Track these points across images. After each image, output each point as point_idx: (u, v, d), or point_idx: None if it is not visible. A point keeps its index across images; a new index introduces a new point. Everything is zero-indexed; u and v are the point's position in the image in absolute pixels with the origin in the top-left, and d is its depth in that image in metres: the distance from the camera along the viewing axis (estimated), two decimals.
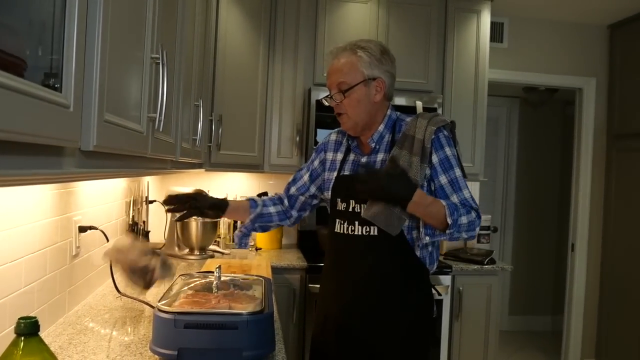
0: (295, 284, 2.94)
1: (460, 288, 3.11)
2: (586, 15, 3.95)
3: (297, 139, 3.26)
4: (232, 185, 3.56)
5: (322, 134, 3.22)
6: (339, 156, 1.88)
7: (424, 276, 1.79)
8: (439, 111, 3.29)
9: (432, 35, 3.38)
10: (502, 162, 5.37)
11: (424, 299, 1.79)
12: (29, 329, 0.89)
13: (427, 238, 1.68)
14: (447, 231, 1.61)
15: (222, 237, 3.35)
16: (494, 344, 3.19)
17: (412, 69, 3.34)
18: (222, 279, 1.62)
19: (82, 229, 1.86)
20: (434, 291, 2.04)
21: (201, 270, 2.25)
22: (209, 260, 2.83)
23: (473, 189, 3.87)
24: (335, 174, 1.85)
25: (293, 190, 2.01)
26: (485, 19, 3.45)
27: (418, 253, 1.73)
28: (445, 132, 1.73)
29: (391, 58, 1.77)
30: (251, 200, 1.96)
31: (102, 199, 2.15)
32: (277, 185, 3.63)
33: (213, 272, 1.61)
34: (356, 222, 1.73)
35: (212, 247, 3.08)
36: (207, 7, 2.56)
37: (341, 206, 1.79)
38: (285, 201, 2.02)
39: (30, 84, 0.66)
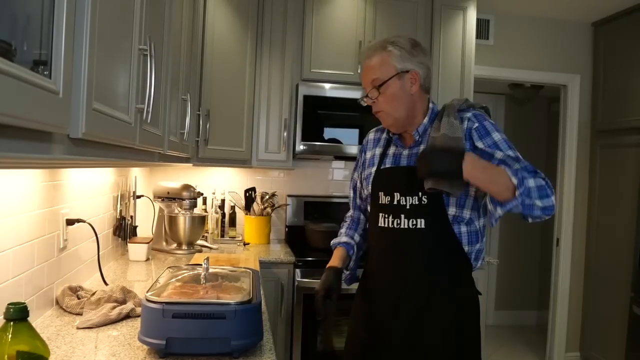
0: (283, 278, 2.96)
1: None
2: (570, 12, 4.00)
3: (285, 134, 3.27)
4: (220, 180, 3.57)
5: (309, 130, 3.24)
6: (378, 151, 1.85)
7: (469, 272, 1.73)
8: None
9: (419, 31, 3.41)
10: None
11: (472, 293, 1.74)
12: (18, 314, 0.90)
13: (499, 210, 1.55)
14: (517, 193, 1.48)
15: (209, 232, 3.36)
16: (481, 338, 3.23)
17: None
18: (210, 271, 1.63)
19: (70, 222, 1.86)
20: None
21: (189, 264, 2.25)
22: (196, 255, 2.83)
23: None
24: (375, 168, 1.82)
25: (359, 201, 1.99)
26: (471, 16, 3.49)
27: (467, 249, 1.69)
28: (490, 120, 1.70)
29: (424, 50, 1.73)
30: (345, 244, 1.91)
31: (89, 192, 2.15)
32: (265, 181, 3.64)
33: (201, 265, 1.62)
34: (402, 216, 1.69)
35: (199, 241, 3.08)
36: (194, 1, 2.57)
37: (384, 199, 1.74)
38: (361, 216, 2.00)
39: (20, 67, 0.67)
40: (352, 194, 2.01)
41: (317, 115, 3.27)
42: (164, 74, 1.76)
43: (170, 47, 1.84)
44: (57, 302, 1.77)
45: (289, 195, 3.60)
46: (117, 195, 2.58)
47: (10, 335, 0.89)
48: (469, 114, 1.70)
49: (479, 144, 1.64)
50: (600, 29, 4.09)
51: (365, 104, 1.76)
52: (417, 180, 1.59)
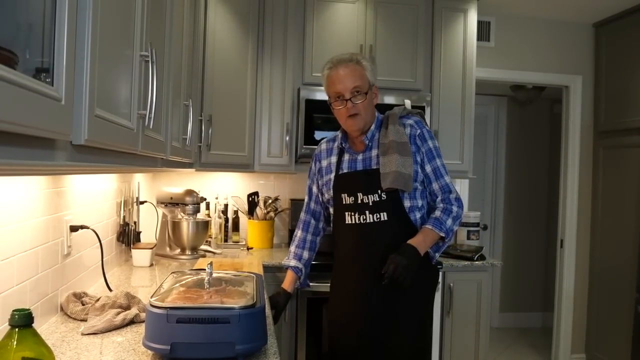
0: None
1: (451, 284, 3.14)
2: (571, 13, 4.00)
3: (287, 138, 3.28)
4: (223, 185, 3.57)
5: (311, 134, 3.24)
6: (334, 159, 2.13)
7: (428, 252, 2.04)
8: (427, 110, 3.32)
9: (420, 34, 3.41)
10: (490, 160, 5.41)
11: (431, 267, 2.08)
12: (23, 320, 0.90)
13: (437, 255, 2.07)
14: (445, 240, 2.00)
15: (213, 237, 3.36)
16: (485, 340, 3.22)
17: (400, 67, 3.37)
18: (214, 275, 1.63)
19: (74, 229, 1.86)
20: None
21: (193, 269, 2.26)
22: (200, 260, 2.84)
23: (462, 187, 3.91)
24: (333, 174, 2.11)
25: (312, 205, 2.27)
26: (472, 18, 3.49)
27: None
28: (427, 127, 2.07)
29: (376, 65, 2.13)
30: (294, 268, 2.25)
31: (93, 199, 2.16)
32: (267, 185, 3.65)
33: (205, 270, 1.63)
34: (367, 212, 2.00)
35: (203, 246, 3.08)
36: (195, 7, 2.58)
37: (349, 200, 2.03)
38: (312, 220, 2.28)
39: (23, 75, 0.68)
40: (306, 199, 2.29)
41: (319, 119, 3.27)
42: (166, 80, 1.77)
43: (172, 53, 1.85)
44: (61, 309, 1.77)
45: (291, 199, 3.60)
46: (121, 201, 2.59)
47: (15, 342, 0.90)
48: (410, 121, 2.04)
49: (422, 148, 2.01)
50: (601, 30, 4.09)
51: (340, 108, 1.99)
52: (375, 180, 1.96)
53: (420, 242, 1.92)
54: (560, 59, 4.15)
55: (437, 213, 1.99)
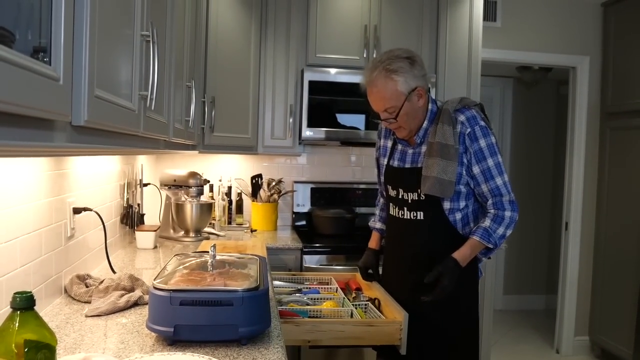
0: (290, 264, 2.96)
1: None
2: None
3: (291, 120, 3.26)
4: (226, 167, 3.56)
5: (315, 115, 3.22)
6: (389, 143, 2.13)
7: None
8: (432, 91, 3.29)
9: (425, 15, 3.37)
10: None
11: (470, 269, 1.95)
12: (24, 303, 0.90)
13: (485, 258, 2.03)
14: (498, 247, 1.91)
15: (217, 219, 3.36)
16: (489, 322, 3.23)
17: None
18: (217, 258, 1.62)
19: (77, 211, 1.86)
20: None
21: (196, 251, 2.26)
22: (204, 242, 2.83)
23: None
24: (386, 161, 2.12)
25: (383, 179, 2.19)
26: None
27: (461, 231, 1.97)
28: (481, 123, 1.91)
29: (419, 62, 1.91)
30: (379, 230, 2.30)
31: (96, 181, 2.15)
32: (271, 167, 3.63)
33: (208, 252, 1.62)
34: (405, 208, 2.01)
35: (207, 229, 3.08)
36: None
37: (392, 193, 2.06)
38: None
39: (19, 54, 0.66)
40: (377, 174, 2.25)
41: (323, 101, 3.25)
42: (168, 61, 1.74)
43: (174, 33, 1.82)
44: (65, 291, 1.78)
45: (295, 182, 3.59)
46: (124, 184, 2.58)
47: (17, 324, 0.89)
48: (462, 118, 1.91)
49: (470, 148, 1.90)
50: (609, 9, 4.02)
51: (378, 121, 2.01)
52: (416, 180, 1.92)
53: (467, 256, 1.88)
54: (567, 40, 4.09)
55: (487, 222, 1.89)
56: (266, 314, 1.43)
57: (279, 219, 3.53)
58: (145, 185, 2.96)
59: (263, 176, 3.46)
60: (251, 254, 1.83)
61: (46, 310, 1.61)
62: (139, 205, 2.86)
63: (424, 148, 1.96)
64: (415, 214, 1.97)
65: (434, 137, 1.90)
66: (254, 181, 3.40)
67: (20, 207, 1.45)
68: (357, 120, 3.30)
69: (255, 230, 3.32)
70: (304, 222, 3.55)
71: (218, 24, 3.03)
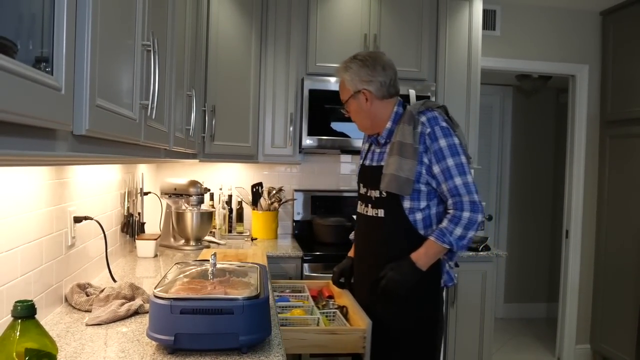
0: (291, 272, 2.96)
1: (456, 275, 3.12)
2: (578, 1, 3.96)
3: (291, 128, 3.27)
4: (227, 176, 3.57)
5: (315, 124, 3.23)
6: (366, 146, 2.22)
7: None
8: (432, 99, 3.29)
9: (424, 23, 3.38)
10: (496, 150, 5.39)
11: (431, 278, 1.98)
12: (25, 311, 0.90)
13: (451, 263, 2.03)
14: (453, 250, 1.89)
15: (217, 227, 3.36)
16: (489, 330, 3.22)
17: (405, 57, 3.35)
18: (218, 266, 1.63)
19: (77, 220, 1.86)
20: None
21: (197, 259, 2.26)
22: (204, 251, 2.83)
23: None
24: (361, 160, 2.21)
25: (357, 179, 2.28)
26: (478, 7, 3.46)
27: (423, 232, 1.97)
28: (442, 124, 1.94)
29: (373, 66, 2.02)
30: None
31: (96, 190, 2.15)
32: (271, 176, 3.64)
33: (209, 260, 1.62)
34: (369, 205, 2.06)
35: (207, 237, 3.08)
36: None
37: (362, 190, 2.13)
38: None
39: (22, 64, 0.67)
40: None
41: (323, 110, 3.25)
42: (169, 70, 1.76)
43: (174, 43, 1.83)
44: (66, 300, 1.78)
45: (296, 190, 3.60)
46: (125, 192, 2.59)
47: (18, 333, 0.89)
48: (423, 118, 1.95)
49: (431, 148, 1.92)
50: (609, 18, 4.05)
51: (347, 115, 2.16)
52: (378, 178, 1.98)
53: (422, 255, 1.90)
54: (566, 48, 4.11)
55: (444, 222, 1.90)
56: (266, 322, 1.43)
57: (279, 228, 3.53)
58: (146, 194, 2.96)
59: (263, 185, 3.46)
60: (251, 263, 1.83)
61: (47, 319, 1.61)
62: (139, 214, 2.86)
63: (388, 148, 2.04)
64: (377, 212, 2.02)
65: (395, 136, 1.98)
66: (254, 190, 3.40)
67: (21, 216, 1.45)
68: (357, 129, 3.29)
69: (256, 239, 3.32)
70: (304, 231, 3.55)
71: (218, 33, 3.05)
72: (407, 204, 1.95)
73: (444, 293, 3.08)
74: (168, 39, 1.72)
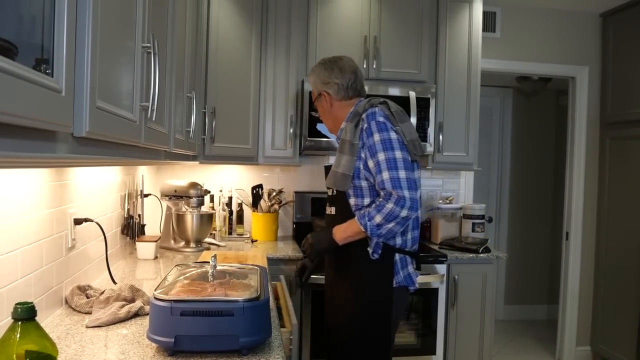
0: (291, 274, 2.95)
1: (456, 277, 3.13)
2: (578, 3, 3.97)
3: (291, 130, 3.27)
4: (227, 178, 3.57)
5: (315, 126, 3.23)
6: None
7: (375, 247, 2.00)
8: (432, 101, 3.30)
9: (424, 25, 3.39)
10: (496, 152, 5.39)
11: (376, 261, 2.00)
12: (25, 313, 0.90)
13: (376, 250, 1.99)
14: (368, 233, 1.92)
15: (217, 229, 3.36)
16: (490, 332, 3.22)
17: (405, 59, 3.35)
18: (218, 268, 1.63)
19: (78, 222, 1.86)
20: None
21: (197, 261, 2.26)
22: (204, 253, 2.84)
23: (467, 179, 3.89)
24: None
25: None
26: (477, 9, 3.46)
27: None
28: (379, 119, 1.96)
29: (334, 70, 2.14)
30: None
31: (97, 192, 2.15)
32: (272, 177, 3.64)
33: (209, 262, 1.62)
34: (328, 203, 2.17)
35: (207, 239, 3.08)
36: None
37: (329, 191, 2.18)
38: None
39: (22, 66, 0.67)
40: None
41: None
42: (169, 72, 1.76)
43: (175, 44, 1.83)
44: (66, 302, 1.78)
45: (296, 192, 3.59)
46: (125, 194, 2.59)
47: (18, 335, 0.89)
48: (364, 115, 2.00)
49: (367, 143, 1.96)
50: (609, 20, 4.05)
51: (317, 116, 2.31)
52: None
53: (341, 229, 2.00)
54: (566, 50, 4.11)
55: (370, 207, 1.94)
56: (267, 324, 1.42)
57: (279, 229, 3.53)
58: (146, 195, 2.96)
59: (263, 186, 3.46)
60: (252, 264, 1.83)
61: (47, 321, 1.61)
62: (139, 215, 2.86)
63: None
64: (331, 210, 2.13)
65: (343, 135, 2.06)
66: (254, 191, 3.40)
67: (21, 218, 1.45)
68: None
69: (256, 241, 3.32)
70: (304, 232, 3.54)
71: (219, 35, 3.05)
72: (352, 200, 2.02)
73: (444, 291, 3.07)
74: (168, 41, 1.73)
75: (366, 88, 3.22)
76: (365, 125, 1.96)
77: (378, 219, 1.88)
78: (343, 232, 2.00)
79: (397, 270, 2.03)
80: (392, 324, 2.05)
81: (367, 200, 1.99)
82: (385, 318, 2.02)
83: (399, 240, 2.03)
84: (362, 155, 1.96)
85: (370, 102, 2.06)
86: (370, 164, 1.94)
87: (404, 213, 1.86)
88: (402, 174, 1.89)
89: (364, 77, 2.27)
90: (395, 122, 1.99)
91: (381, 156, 1.91)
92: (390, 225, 1.88)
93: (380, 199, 1.91)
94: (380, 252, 1.99)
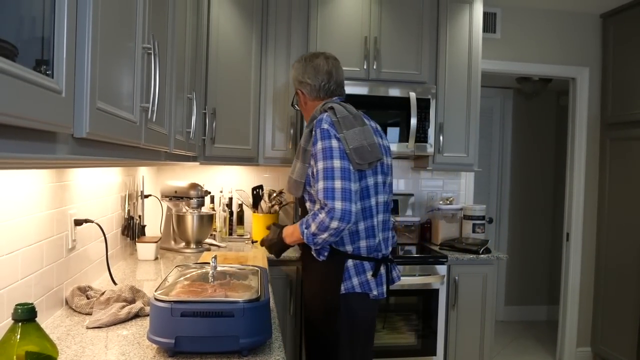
0: (292, 275, 2.95)
1: (456, 277, 3.13)
2: (578, 4, 3.97)
3: (291, 131, 3.27)
4: (227, 178, 3.57)
5: None
6: None
7: (333, 252, 2.01)
8: (432, 102, 3.30)
9: (425, 26, 3.39)
10: (496, 153, 5.39)
11: (329, 262, 2.00)
12: (26, 314, 0.90)
13: (321, 253, 2.01)
14: (305, 241, 1.94)
15: (217, 230, 3.36)
16: (490, 333, 3.22)
17: (405, 60, 3.35)
18: (218, 269, 1.63)
19: (78, 222, 1.86)
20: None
21: (197, 262, 2.26)
22: (205, 253, 2.84)
23: (468, 180, 3.89)
24: None
25: None
26: (478, 10, 3.46)
27: None
28: (323, 126, 1.94)
29: (308, 69, 2.15)
30: None
31: (97, 193, 2.15)
32: (272, 178, 3.64)
33: (209, 263, 1.62)
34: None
35: (208, 240, 3.08)
36: (198, 0, 2.56)
37: None
38: None
39: (22, 67, 0.67)
40: None
41: None
42: (169, 73, 1.76)
43: (175, 46, 1.83)
44: (66, 302, 1.78)
45: None
46: (125, 195, 2.59)
47: (18, 336, 0.89)
48: (315, 121, 2.01)
49: (313, 150, 1.96)
50: (609, 21, 4.05)
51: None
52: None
53: (289, 230, 2.07)
54: (567, 51, 4.11)
55: (311, 214, 1.93)
56: (267, 325, 1.42)
57: None
58: (146, 196, 2.96)
59: (264, 187, 3.46)
60: (252, 265, 1.83)
61: (47, 322, 1.61)
62: (140, 216, 2.86)
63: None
64: (299, 214, 2.20)
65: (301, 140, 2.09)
66: (254, 192, 3.40)
67: (21, 219, 1.45)
68: None
69: (256, 241, 3.32)
70: None
71: (219, 35, 3.06)
72: (308, 205, 2.04)
73: (444, 292, 3.07)
74: (168, 42, 1.73)
75: (366, 89, 3.24)
76: (314, 133, 1.95)
77: (313, 227, 1.88)
78: (290, 237, 2.07)
79: (349, 276, 1.98)
80: (346, 331, 1.99)
81: (317, 205, 1.94)
82: (332, 319, 1.99)
83: (349, 248, 1.99)
84: (312, 162, 1.96)
85: (323, 107, 2.06)
86: (314, 171, 1.94)
87: (333, 224, 1.83)
88: (337, 184, 1.84)
89: (343, 76, 2.20)
90: (340, 129, 1.92)
91: (320, 165, 1.89)
92: (324, 235, 1.87)
93: (317, 208, 1.90)
94: (326, 254, 1.99)
